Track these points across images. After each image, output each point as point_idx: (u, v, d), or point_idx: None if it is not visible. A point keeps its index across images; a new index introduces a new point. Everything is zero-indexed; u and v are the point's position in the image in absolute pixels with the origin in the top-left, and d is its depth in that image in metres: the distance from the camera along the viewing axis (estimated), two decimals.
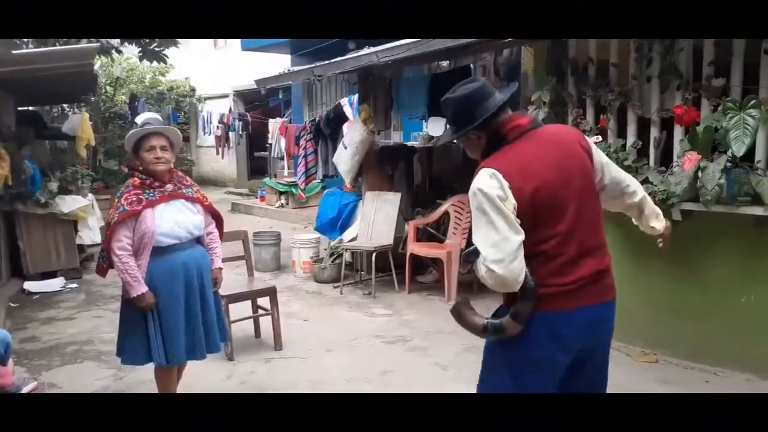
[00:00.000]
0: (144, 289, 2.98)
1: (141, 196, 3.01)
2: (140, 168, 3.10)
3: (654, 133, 3.94)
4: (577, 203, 1.97)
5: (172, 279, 3.06)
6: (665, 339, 4.01)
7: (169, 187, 3.11)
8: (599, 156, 2.13)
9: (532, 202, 1.90)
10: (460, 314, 2.07)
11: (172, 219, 3.06)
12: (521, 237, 1.89)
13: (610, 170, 2.15)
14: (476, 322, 2.03)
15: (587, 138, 2.16)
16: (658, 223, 2.31)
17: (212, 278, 3.29)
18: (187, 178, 3.33)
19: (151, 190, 3.04)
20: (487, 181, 1.91)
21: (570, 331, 1.98)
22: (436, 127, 6.57)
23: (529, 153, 1.96)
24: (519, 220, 1.89)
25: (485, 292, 5.09)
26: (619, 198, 2.23)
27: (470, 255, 1.96)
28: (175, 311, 3.07)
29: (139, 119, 3.26)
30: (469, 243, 2.01)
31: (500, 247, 1.87)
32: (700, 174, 3.48)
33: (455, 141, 2.23)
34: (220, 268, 3.38)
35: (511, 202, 1.89)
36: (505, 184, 1.89)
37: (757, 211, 3.44)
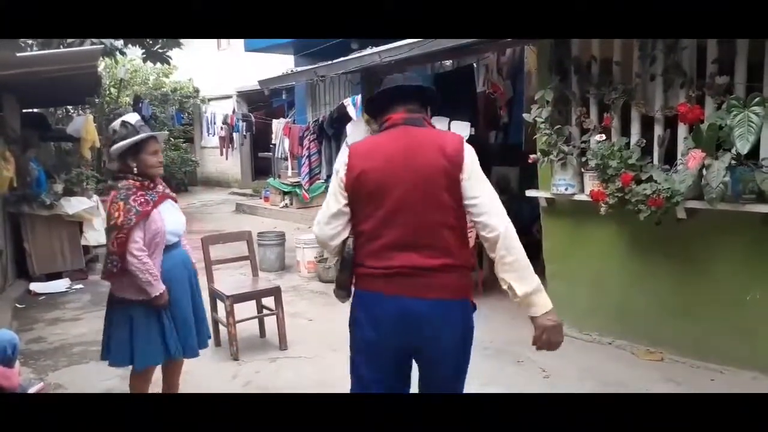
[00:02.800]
0: (163, 287, 3.02)
1: (146, 197, 3.03)
2: (134, 170, 3.06)
3: (658, 131, 3.93)
4: (410, 199, 2.06)
5: (180, 273, 3.14)
6: (671, 337, 4.00)
7: (160, 188, 3.16)
8: (469, 174, 2.07)
9: (357, 182, 2.10)
10: None
11: (172, 217, 3.14)
12: (339, 206, 2.16)
13: (467, 193, 2.07)
14: None
15: (468, 153, 2.09)
16: (518, 284, 2.02)
17: None
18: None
19: (151, 191, 3.08)
20: (341, 155, 2.10)
21: (382, 314, 2.11)
22: (438, 127, 6.54)
23: (381, 141, 2.18)
24: (345, 194, 2.14)
25: (490, 291, 5.10)
26: (476, 225, 2.11)
27: None
28: (186, 304, 3.17)
29: (130, 119, 3.16)
30: None
31: (323, 211, 2.23)
32: (704, 172, 3.47)
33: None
34: None
35: (341, 176, 2.16)
36: (346, 161, 2.15)
37: (762, 208, 3.43)
